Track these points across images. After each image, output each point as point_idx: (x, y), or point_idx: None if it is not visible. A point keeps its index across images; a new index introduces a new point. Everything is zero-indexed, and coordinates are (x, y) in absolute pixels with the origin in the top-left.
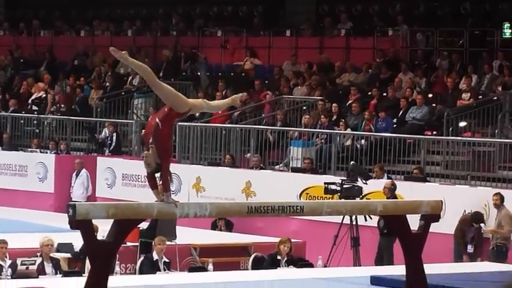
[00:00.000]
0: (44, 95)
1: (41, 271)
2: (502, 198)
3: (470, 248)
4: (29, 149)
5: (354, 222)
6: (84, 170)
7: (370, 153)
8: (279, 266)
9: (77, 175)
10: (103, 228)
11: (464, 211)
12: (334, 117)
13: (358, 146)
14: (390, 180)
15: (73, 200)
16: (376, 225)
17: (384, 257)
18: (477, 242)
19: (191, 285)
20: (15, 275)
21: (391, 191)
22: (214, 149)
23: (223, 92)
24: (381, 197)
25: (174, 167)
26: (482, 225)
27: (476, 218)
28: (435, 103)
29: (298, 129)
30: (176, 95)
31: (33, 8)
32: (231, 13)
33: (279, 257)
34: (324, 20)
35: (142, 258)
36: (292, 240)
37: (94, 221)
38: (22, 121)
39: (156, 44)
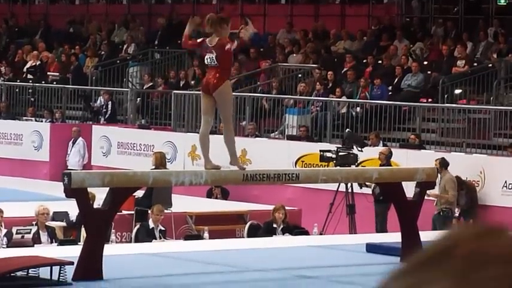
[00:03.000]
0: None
1: (36, 240)
2: (443, 163)
3: (456, 211)
4: (24, 118)
5: (350, 190)
6: (80, 138)
7: (366, 120)
8: (275, 234)
9: (73, 143)
10: (100, 196)
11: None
12: (330, 84)
13: (354, 113)
14: (387, 147)
15: (69, 167)
16: (371, 192)
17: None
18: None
19: (187, 253)
20: (11, 243)
21: (386, 158)
22: None
23: None
24: (376, 164)
25: (169, 135)
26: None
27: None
28: (430, 70)
29: (294, 97)
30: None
31: None
32: None
33: (274, 225)
34: None
35: (138, 226)
36: (288, 208)
37: (91, 190)
38: (17, 90)
39: (151, 12)
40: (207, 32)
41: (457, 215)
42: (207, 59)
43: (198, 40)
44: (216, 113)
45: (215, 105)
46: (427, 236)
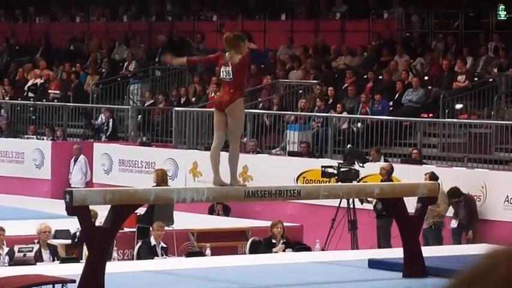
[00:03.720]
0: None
1: (38, 258)
2: (432, 177)
3: (453, 223)
4: (25, 136)
5: (351, 206)
6: (82, 156)
7: (367, 136)
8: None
9: (75, 161)
10: (102, 214)
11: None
12: (330, 100)
13: (355, 129)
14: (388, 163)
15: (72, 185)
16: (373, 208)
17: (381, 239)
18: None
19: (189, 270)
20: (13, 262)
21: (388, 173)
22: (210, 134)
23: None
24: (377, 180)
25: (170, 152)
26: None
27: (453, 192)
28: (431, 85)
29: (295, 113)
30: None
31: None
32: None
33: (273, 240)
34: (319, 3)
35: (139, 243)
36: (290, 224)
37: (93, 207)
38: (18, 108)
39: (152, 29)
40: (226, 50)
41: (455, 226)
42: (222, 71)
43: (212, 55)
44: None
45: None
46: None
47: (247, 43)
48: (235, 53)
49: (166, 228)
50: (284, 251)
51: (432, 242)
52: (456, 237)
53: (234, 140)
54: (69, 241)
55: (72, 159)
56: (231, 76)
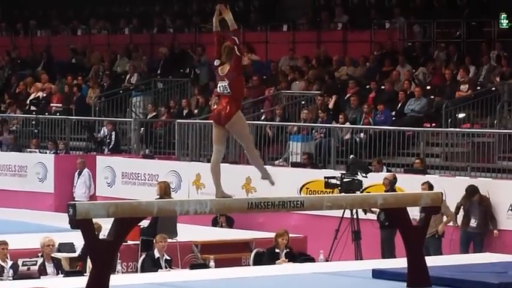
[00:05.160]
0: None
1: (42, 271)
2: (429, 187)
3: (473, 222)
4: (28, 150)
5: (355, 216)
6: (86, 170)
7: (370, 146)
8: (278, 259)
9: (79, 174)
10: (106, 227)
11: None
12: (331, 111)
13: (358, 139)
14: (391, 173)
15: (76, 199)
16: (376, 218)
17: (385, 250)
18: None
19: (193, 282)
20: (17, 275)
21: (391, 184)
22: (213, 146)
23: None
24: (381, 190)
25: (173, 165)
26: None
27: (472, 190)
28: (433, 95)
29: (297, 124)
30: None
31: (29, 8)
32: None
33: (277, 250)
34: (320, 14)
35: (143, 256)
36: (293, 235)
37: (97, 221)
38: (20, 122)
39: (153, 42)
40: (222, 60)
41: (474, 225)
42: (219, 87)
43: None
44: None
45: (227, 134)
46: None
47: (248, 54)
48: (228, 64)
49: (169, 240)
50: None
51: (434, 253)
52: (464, 244)
53: (249, 150)
54: (73, 254)
55: (76, 173)
56: (229, 90)
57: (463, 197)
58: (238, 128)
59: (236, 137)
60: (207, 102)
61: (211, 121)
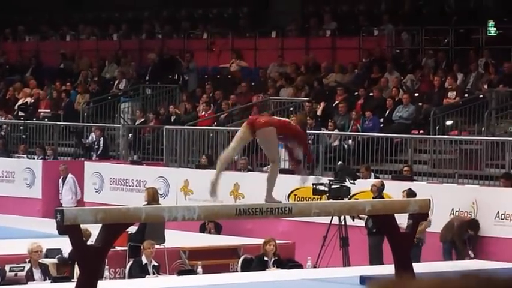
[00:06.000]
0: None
1: (29, 277)
2: (410, 193)
3: (471, 254)
4: (16, 155)
5: (343, 223)
6: (70, 175)
7: (358, 153)
8: (267, 267)
9: (63, 181)
10: (95, 233)
11: (452, 209)
12: (319, 118)
13: (346, 146)
14: (379, 180)
15: (63, 206)
16: (364, 225)
17: (373, 257)
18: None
19: None
20: (4, 281)
21: (379, 190)
22: (201, 152)
23: (210, 94)
24: (368, 196)
25: (161, 171)
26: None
27: (474, 225)
28: (421, 102)
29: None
30: None
31: (18, 13)
32: (216, 15)
33: (266, 258)
34: (309, 21)
35: (131, 262)
36: (281, 241)
37: (87, 227)
38: (8, 128)
39: (142, 48)
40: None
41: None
42: None
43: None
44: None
45: (248, 140)
46: (430, 266)
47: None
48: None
49: (157, 246)
50: None
51: (413, 259)
52: (448, 253)
53: (272, 162)
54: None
55: (60, 180)
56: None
57: (461, 226)
58: (267, 141)
59: (264, 150)
60: (195, 108)
61: (202, 127)
